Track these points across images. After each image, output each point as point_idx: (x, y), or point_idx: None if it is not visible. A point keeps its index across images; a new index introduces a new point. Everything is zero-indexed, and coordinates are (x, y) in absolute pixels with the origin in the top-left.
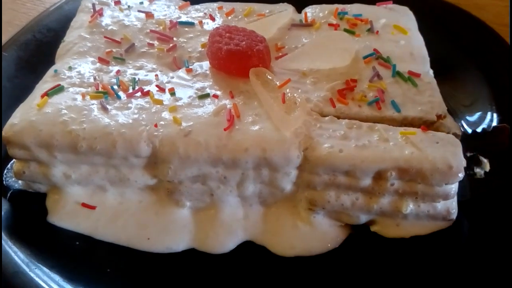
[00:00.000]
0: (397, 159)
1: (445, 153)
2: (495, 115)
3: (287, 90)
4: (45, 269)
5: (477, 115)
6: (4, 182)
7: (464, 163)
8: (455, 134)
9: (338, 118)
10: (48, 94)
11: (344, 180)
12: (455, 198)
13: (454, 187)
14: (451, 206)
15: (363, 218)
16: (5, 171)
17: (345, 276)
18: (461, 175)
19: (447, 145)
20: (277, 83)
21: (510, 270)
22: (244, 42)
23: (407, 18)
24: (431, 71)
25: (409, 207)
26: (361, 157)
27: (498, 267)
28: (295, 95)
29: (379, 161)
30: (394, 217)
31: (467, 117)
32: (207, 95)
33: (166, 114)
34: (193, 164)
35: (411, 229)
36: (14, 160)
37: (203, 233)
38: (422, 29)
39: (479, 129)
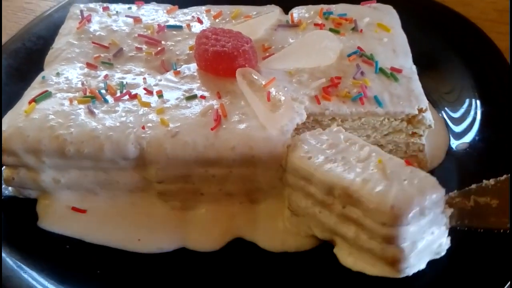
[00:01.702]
0: (348, 181)
1: (399, 192)
2: (478, 108)
3: (273, 89)
4: (35, 273)
5: (460, 108)
6: None
7: (415, 210)
8: (429, 127)
9: (324, 115)
10: (36, 100)
11: (311, 189)
12: (407, 249)
13: (400, 234)
14: (399, 253)
15: (323, 235)
16: None
17: (334, 271)
18: (405, 220)
19: (412, 186)
20: (263, 82)
21: None
22: (230, 43)
23: (390, 16)
24: (414, 67)
25: (352, 233)
26: (320, 168)
27: None
28: (279, 93)
29: (332, 177)
30: (346, 242)
31: (449, 108)
32: (194, 96)
33: (153, 116)
34: (181, 164)
35: (359, 263)
36: (4, 167)
37: (193, 232)
38: (408, 26)
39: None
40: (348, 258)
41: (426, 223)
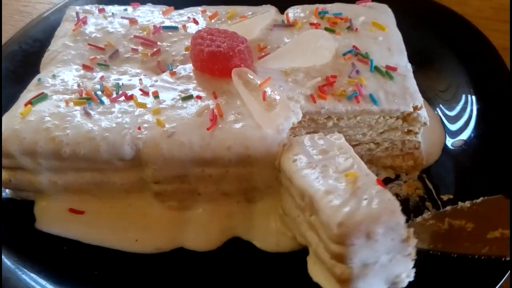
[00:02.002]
0: (314, 189)
1: (352, 210)
2: (474, 105)
3: (268, 88)
4: (33, 274)
5: (455, 105)
6: None
7: (361, 233)
8: (424, 124)
9: (319, 114)
10: (32, 102)
11: (292, 191)
12: (356, 270)
13: (347, 253)
14: (347, 272)
15: (300, 239)
16: None
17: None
18: (349, 240)
19: (368, 207)
20: (258, 82)
21: None
22: (225, 44)
23: (385, 15)
24: (409, 65)
25: (314, 242)
26: (298, 172)
27: None
28: (275, 92)
29: (304, 183)
30: (312, 251)
31: (446, 108)
32: (190, 97)
33: (149, 117)
34: (177, 165)
35: (318, 275)
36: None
37: (191, 232)
38: (403, 24)
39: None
40: (312, 267)
41: (381, 248)
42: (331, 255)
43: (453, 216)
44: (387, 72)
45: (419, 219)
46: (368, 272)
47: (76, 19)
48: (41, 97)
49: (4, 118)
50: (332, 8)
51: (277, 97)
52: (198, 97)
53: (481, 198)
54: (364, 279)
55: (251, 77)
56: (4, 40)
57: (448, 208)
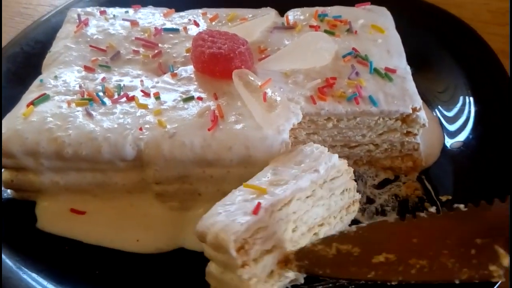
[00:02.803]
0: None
1: (217, 223)
2: (472, 106)
3: (269, 90)
4: (34, 274)
5: (453, 106)
6: None
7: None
8: (423, 125)
9: (319, 115)
10: (34, 103)
11: None
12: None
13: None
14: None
15: None
16: None
17: None
18: (231, 253)
19: (230, 217)
20: (259, 83)
21: None
22: (226, 45)
23: (384, 17)
24: (408, 67)
25: None
26: (261, 173)
27: None
28: (275, 93)
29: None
30: None
31: (444, 109)
32: (191, 98)
33: (151, 118)
34: (178, 165)
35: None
36: (2, 169)
37: (192, 233)
38: (402, 27)
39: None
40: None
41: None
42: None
43: (340, 241)
44: (386, 74)
45: (308, 244)
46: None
47: (77, 21)
48: (43, 98)
49: (6, 118)
50: (331, 11)
51: (278, 98)
52: (199, 98)
53: (366, 223)
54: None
55: (252, 78)
56: (5, 42)
57: (336, 233)
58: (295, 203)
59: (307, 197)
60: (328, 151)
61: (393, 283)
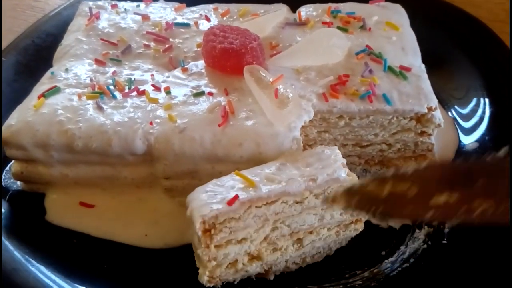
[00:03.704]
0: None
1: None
2: (487, 107)
3: (280, 86)
4: (42, 266)
5: (469, 106)
6: (3, 183)
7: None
8: (438, 125)
9: (331, 112)
10: (45, 95)
11: None
12: None
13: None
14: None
15: None
16: (4, 172)
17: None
18: (197, 232)
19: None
20: (270, 79)
21: None
22: (238, 41)
23: (399, 15)
24: (422, 65)
25: None
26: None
27: None
28: (287, 90)
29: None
30: None
31: (459, 107)
32: (202, 93)
33: (161, 112)
34: (188, 160)
35: None
36: (12, 161)
37: None
38: (417, 25)
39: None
40: None
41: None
42: None
43: (396, 179)
44: (401, 72)
45: (360, 181)
46: None
47: (89, 14)
48: (54, 90)
49: (17, 110)
50: (345, 7)
51: (290, 95)
52: (210, 93)
53: (424, 163)
54: None
55: (263, 74)
56: (16, 35)
57: (391, 170)
58: (279, 205)
59: (297, 203)
60: (339, 150)
61: (450, 224)
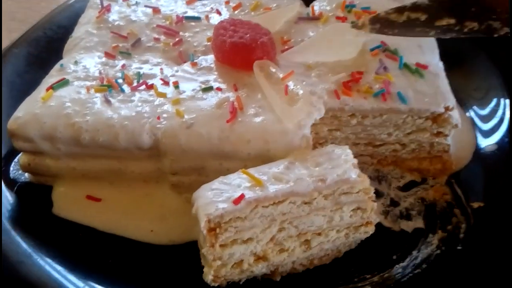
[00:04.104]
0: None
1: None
2: (507, 107)
3: (291, 82)
4: (48, 259)
5: (488, 105)
6: (10, 175)
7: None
8: (456, 126)
9: (343, 110)
10: (53, 87)
11: None
12: None
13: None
14: None
15: None
16: (12, 164)
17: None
18: (203, 231)
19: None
20: (281, 75)
21: None
22: (248, 35)
23: None
24: (440, 63)
25: None
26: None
27: None
28: (297, 86)
29: None
30: None
31: (478, 107)
32: (210, 88)
33: (169, 107)
34: (195, 156)
35: None
36: (20, 153)
37: None
38: None
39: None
40: None
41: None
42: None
43: (412, 10)
44: (417, 70)
45: (382, 12)
46: None
47: (100, 6)
48: (63, 82)
49: (25, 102)
50: (359, 1)
51: (300, 92)
52: (219, 88)
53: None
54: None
55: (274, 70)
56: (29, 26)
57: (409, 4)
58: (287, 205)
59: (305, 203)
60: (350, 149)
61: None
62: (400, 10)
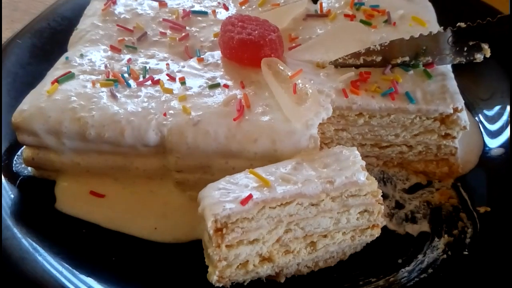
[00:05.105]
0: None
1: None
2: None
3: (299, 81)
4: (50, 255)
5: (495, 108)
6: (13, 169)
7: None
8: (464, 128)
9: (351, 109)
10: (59, 81)
11: None
12: None
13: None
14: None
15: None
16: (15, 158)
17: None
18: (209, 231)
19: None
20: (289, 73)
21: None
22: (256, 32)
23: (426, 10)
24: (448, 65)
25: None
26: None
27: None
28: (306, 85)
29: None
30: None
31: (485, 111)
32: (217, 85)
33: (175, 103)
34: (201, 154)
35: None
36: (24, 146)
37: None
38: (444, 22)
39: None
40: None
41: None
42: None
43: (367, 54)
44: (426, 71)
45: (340, 59)
46: None
47: None
48: (68, 76)
49: (30, 94)
50: None
51: (309, 91)
52: (226, 85)
53: (389, 41)
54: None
55: (282, 68)
56: (32, 17)
57: (362, 50)
58: (294, 206)
59: (312, 205)
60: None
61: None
62: (355, 55)
